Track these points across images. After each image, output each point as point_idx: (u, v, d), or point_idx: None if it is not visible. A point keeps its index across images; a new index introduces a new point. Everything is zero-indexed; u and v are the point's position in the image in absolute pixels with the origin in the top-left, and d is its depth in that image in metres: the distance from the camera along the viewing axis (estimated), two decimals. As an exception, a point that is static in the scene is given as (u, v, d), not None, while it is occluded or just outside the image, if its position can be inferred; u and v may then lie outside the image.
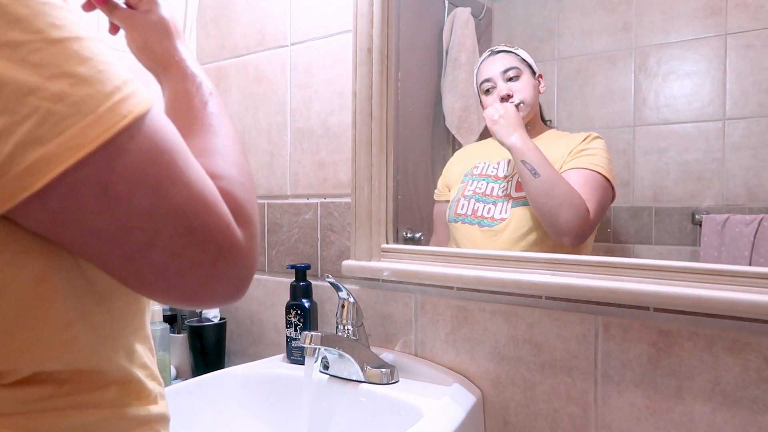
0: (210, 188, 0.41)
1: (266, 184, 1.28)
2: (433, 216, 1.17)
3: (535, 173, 0.96)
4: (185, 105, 0.53)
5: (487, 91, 1.08)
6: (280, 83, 1.25)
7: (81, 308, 0.40)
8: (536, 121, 1.06)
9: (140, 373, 0.46)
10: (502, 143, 1.00)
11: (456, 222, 1.08)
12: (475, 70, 1.12)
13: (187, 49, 0.62)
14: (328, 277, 0.98)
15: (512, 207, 1.02)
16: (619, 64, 0.98)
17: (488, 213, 1.05)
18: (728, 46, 0.88)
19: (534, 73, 1.06)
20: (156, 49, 0.61)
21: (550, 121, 1.07)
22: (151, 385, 0.47)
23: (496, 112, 1.01)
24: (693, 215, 0.91)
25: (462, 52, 1.15)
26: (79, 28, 0.36)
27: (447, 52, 1.17)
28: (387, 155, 1.05)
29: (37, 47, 0.33)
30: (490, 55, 1.10)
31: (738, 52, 0.87)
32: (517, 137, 0.99)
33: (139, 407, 0.45)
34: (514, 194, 1.03)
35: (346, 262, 1.08)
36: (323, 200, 1.18)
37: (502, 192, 1.04)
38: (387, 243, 1.05)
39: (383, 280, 1.06)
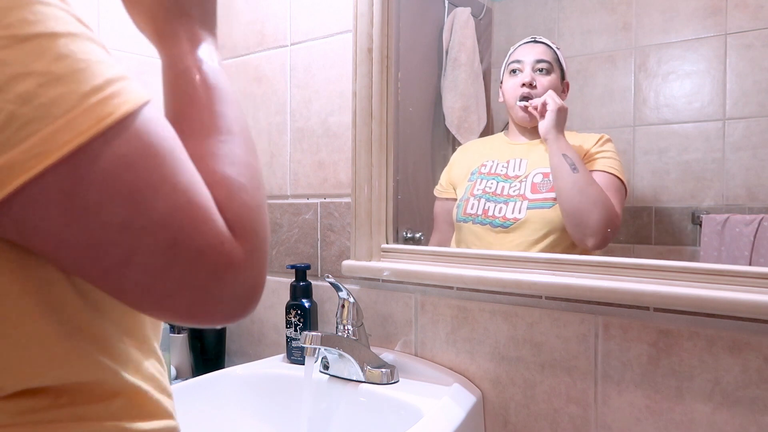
0: (202, 198, 0.36)
1: (266, 184, 1.28)
2: (434, 213, 1.16)
3: (574, 168, 0.95)
4: (186, 89, 0.44)
5: (513, 72, 1.06)
6: (280, 83, 1.25)
7: (74, 321, 0.38)
8: None
9: (147, 386, 0.43)
10: (546, 134, 0.98)
11: (466, 222, 1.06)
12: (510, 51, 1.09)
13: (205, 30, 0.49)
14: (328, 277, 0.98)
15: (527, 209, 1.00)
16: (619, 64, 0.98)
17: (500, 212, 1.03)
18: (728, 46, 0.88)
19: (563, 77, 1.04)
20: (158, 16, 0.48)
21: None
22: (159, 397, 0.44)
23: (554, 102, 1.00)
24: (693, 215, 0.91)
25: (462, 52, 1.15)
26: (58, 23, 0.32)
27: (447, 52, 1.17)
28: (387, 155, 1.05)
29: (5, 44, 0.30)
30: (531, 41, 1.07)
31: (738, 52, 0.87)
32: (561, 131, 0.99)
33: (146, 421, 0.42)
34: (530, 195, 1.01)
35: (346, 262, 1.08)
36: (323, 200, 1.18)
37: (515, 192, 1.02)
38: (387, 243, 1.05)
39: (383, 280, 1.06)
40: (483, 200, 1.05)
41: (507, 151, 1.07)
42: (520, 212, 1.01)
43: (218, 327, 0.42)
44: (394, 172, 1.07)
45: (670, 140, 0.93)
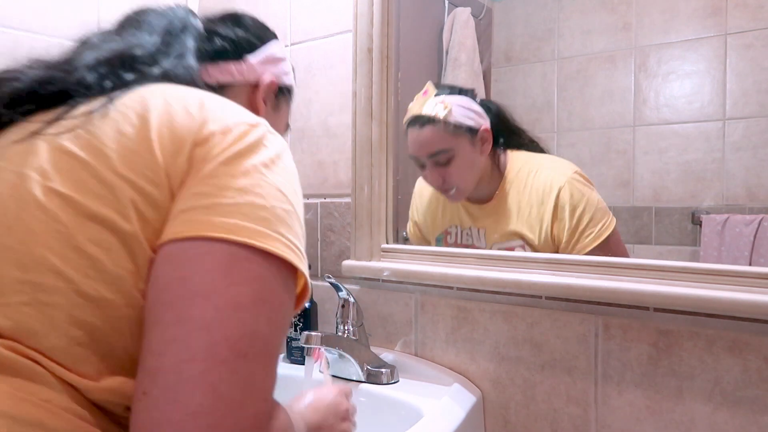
0: (269, 412, 0.41)
1: (266, 184, 1.28)
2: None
3: None
4: None
5: (422, 166, 0.99)
6: (280, 83, 1.25)
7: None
8: (486, 176, 0.99)
9: None
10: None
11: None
12: (405, 133, 1.01)
13: None
14: (328, 277, 0.98)
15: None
16: (619, 64, 0.98)
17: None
18: (728, 46, 0.88)
19: (475, 133, 0.94)
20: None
21: (517, 143, 0.99)
22: None
23: None
24: (693, 215, 0.91)
25: (462, 52, 1.15)
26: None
27: (447, 52, 1.16)
28: (387, 155, 1.05)
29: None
30: (413, 125, 0.97)
31: (738, 52, 0.87)
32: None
33: None
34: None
35: (346, 262, 1.08)
36: (323, 200, 1.18)
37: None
38: (387, 243, 1.05)
39: (383, 280, 1.06)
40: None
41: (464, 215, 1.02)
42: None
43: None
44: (394, 172, 1.07)
45: (670, 140, 0.93)
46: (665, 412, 0.79)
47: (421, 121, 0.97)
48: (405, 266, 1.01)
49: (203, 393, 0.35)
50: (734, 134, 0.87)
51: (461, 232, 1.03)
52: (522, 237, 0.93)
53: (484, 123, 0.95)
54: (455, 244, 1.04)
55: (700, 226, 0.89)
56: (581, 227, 0.91)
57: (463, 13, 1.16)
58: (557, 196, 0.91)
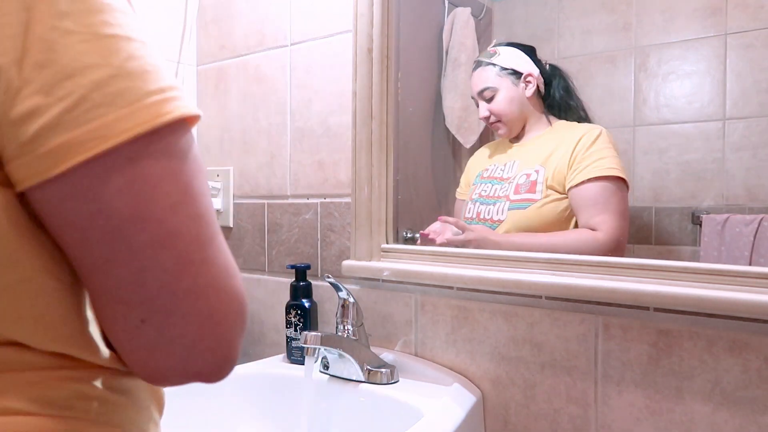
0: (236, 268, 0.39)
1: (266, 184, 1.28)
2: (454, 213, 1.19)
3: None
4: None
5: (477, 105, 1.11)
6: (280, 83, 1.25)
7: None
8: (534, 120, 1.07)
9: None
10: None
11: (468, 224, 1.09)
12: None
13: None
14: (328, 277, 0.98)
15: (508, 209, 1.02)
16: (619, 64, 0.98)
17: (488, 215, 1.05)
18: (728, 46, 0.88)
19: (519, 76, 1.06)
20: None
21: (572, 111, 1.06)
22: None
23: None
24: (693, 215, 0.91)
25: (462, 52, 1.15)
26: (133, 30, 0.35)
27: (447, 52, 1.17)
28: (387, 155, 1.05)
29: (86, 38, 0.33)
30: (475, 67, 1.11)
31: (738, 52, 0.87)
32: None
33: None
34: (512, 197, 1.03)
35: (346, 262, 1.08)
36: (323, 200, 1.18)
37: (503, 193, 1.04)
38: (387, 243, 1.05)
39: (383, 280, 1.06)
40: (477, 203, 1.08)
41: (506, 153, 1.09)
42: (502, 213, 1.03)
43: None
44: (394, 172, 1.07)
45: (670, 140, 0.93)
46: (665, 412, 0.79)
47: (476, 64, 1.11)
48: (405, 266, 1.01)
49: (202, 297, 0.37)
50: (734, 134, 0.87)
51: (497, 167, 1.10)
52: (543, 165, 1.01)
53: (532, 71, 1.05)
54: (488, 177, 1.10)
55: (700, 226, 0.89)
56: (589, 158, 0.97)
57: (463, 13, 1.16)
58: (582, 135, 0.99)
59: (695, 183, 0.90)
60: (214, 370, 0.39)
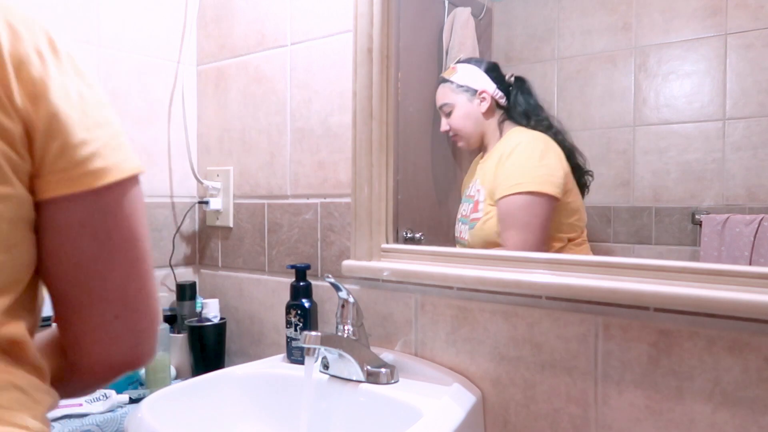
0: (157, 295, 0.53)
1: (266, 184, 1.28)
2: None
3: None
4: None
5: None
6: (280, 83, 1.25)
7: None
8: (490, 135, 1.10)
9: None
10: None
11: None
12: None
13: None
14: (328, 277, 0.98)
15: (469, 229, 1.08)
16: (619, 64, 0.98)
17: (462, 234, 1.11)
18: (728, 46, 0.88)
19: (474, 92, 1.09)
20: None
21: (538, 121, 1.06)
22: None
23: None
24: (693, 215, 0.91)
25: (462, 52, 1.15)
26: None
27: (447, 52, 1.17)
28: (387, 155, 1.05)
29: (102, 104, 0.50)
30: (437, 83, 1.16)
31: (738, 52, 0.87)
32: None
33: None
34: (471, 215, 1.09)
35: (346, 262, 1.08)
36: (323, 200, 1.18)
37: (468, 211, 1.10)
38: (387, 243, 1.05)
39: (383, 280, 1.06)
40: (459, 223, 1.13)
41: (476, 169, 1.14)
42: (466, 233, 1.09)
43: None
44: (394, 172, 1.07)
45: (670, 140, 0.93)
46: (665, 412, 0.79)
47: (439, 80, 1.17)
48: (405, 266, 1.01)
49: (152, 300, 0.52)
50: (734, 134, 0.87)
51: (472, 185, 1.13)
52: (483, 183, 1.07)
53: (486, 88, 1.09)
54: (467, 196, 1.14)
55: (700, 226, 0.90)
56: (501, 175, 1.02)
57: (463, 13, 1.16)
58: (503, 151, 1.05)
59: (695, 183, 0.90)
60: (147, 359, 0.52)
